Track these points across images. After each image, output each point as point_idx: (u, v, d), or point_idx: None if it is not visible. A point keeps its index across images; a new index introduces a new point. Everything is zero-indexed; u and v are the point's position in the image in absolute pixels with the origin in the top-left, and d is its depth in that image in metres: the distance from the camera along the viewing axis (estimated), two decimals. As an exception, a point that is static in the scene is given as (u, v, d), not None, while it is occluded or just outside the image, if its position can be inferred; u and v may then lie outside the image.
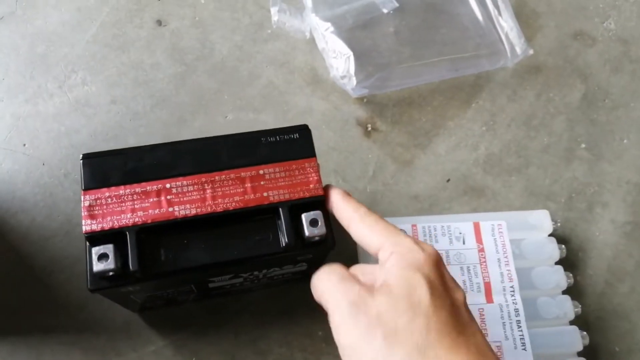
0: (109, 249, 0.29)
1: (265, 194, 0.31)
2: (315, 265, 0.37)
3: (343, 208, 0.31)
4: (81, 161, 0.31)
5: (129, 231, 0.29)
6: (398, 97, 0.50)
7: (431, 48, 0.51)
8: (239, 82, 0.50)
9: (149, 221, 0.30)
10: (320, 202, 0.32)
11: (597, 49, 0.54)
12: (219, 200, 0.31)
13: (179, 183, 0.31)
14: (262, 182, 0.31)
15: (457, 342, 0.26)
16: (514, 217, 0.43)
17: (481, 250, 0.41)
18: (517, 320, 0.39)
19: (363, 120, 0.49)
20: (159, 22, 0.51)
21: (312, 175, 0.32)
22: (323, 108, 0.49)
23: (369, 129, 0.49)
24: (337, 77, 0.48)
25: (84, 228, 0.29)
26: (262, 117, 0.49)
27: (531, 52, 0.51)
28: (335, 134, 0.48)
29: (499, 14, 0.52)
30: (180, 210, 0.30)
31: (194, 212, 0.30)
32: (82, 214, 0.30)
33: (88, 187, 0.30)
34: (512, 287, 0.40)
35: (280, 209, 0.31)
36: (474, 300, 0.40)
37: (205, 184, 0.31)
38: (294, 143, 0.33)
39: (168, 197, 0.31)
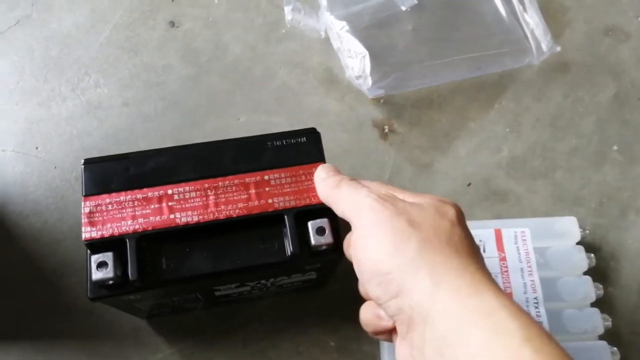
0: (108, 257, 0.28)
1: (270, 201, 0.30)
2: (325, 274, 0.35)
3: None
4: (82, 166, 0.30)
5: (129, 239, 0.29)
6: (416, 98, 0.48)
7: (452, 46, 0.49)
8: (252, 84, 0.49)
9: (150, 228, 0.29)
10: (328, 210, 0.30)
11: (631, 44, 0.51)
12: (222, 207, 0.29)
13: (181, 189, 0.30)
14: (267, 188, 0.30)
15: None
16: (538, 224, 0.41)
17: (502, 259, 0.39)
18: (541, 335, 0.37)
19: (379, 121, 0.47)
20: (172, 24, 0.51)
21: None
22: (338, 109, 0.48)
23: (386, 130, 0.47)
24: (352, 77, 0.47)
25: (83, 235, 0.29)
26: (275, 119, 0.47)
27: (558, 49, 0.48)
28: (351, 136, 0.47)
29: (524, 9, 0.50)
30: (182, 218, 0.29)
31: (196, 219, 0.29)
32: (82, 221, 0.29)
33: (89, 193, 0.30)
34: (535, 298, 0.38)
35: (286, 217, 0.29)
36: (495, 312, 0.37)
37: (208, 190, 0.30)
38: (301, 147, 0.31)
39: (170, 203, 0.30)
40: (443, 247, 0.25)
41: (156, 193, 0.30)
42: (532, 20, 0.49)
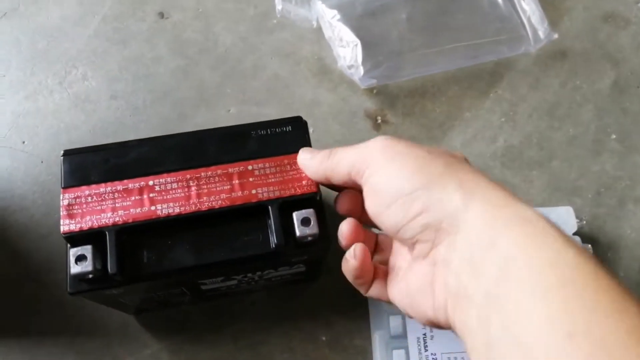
0: (87, 250, 0.27)
1: (254, 191, 0.29)
2: (313, 267, 0.35)
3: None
4: (61, 158, 0.29)
5: (108, 231, 0.28)
6: (410, 88, 0.47)
7: (446, 34, 0.48)
8: (242, 75, 0.48)
9: (130, 221, 0.28)
10: (313, 200, 0.29)
11: (630, 31, 0.50)
12: (204, 198, 0.29)
13: (162, 180, 0.29)
14: (250, 179, 0.29)
15: None
16: (534, 215, 0.40)
17: (497, 250, 0.38)
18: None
19: (372, 112, 0.46)
20: (161, 15, 0.50)
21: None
22: (330, 100, 0.47)
23: (379, 121, 0.46)
24: (344, 67, 0.46)
25: (62, 228, 0.28)
26: (266, 110, 0.46)
27: (555, 36, 0.47)
28: (343, 127, 0.46)
29: (520, -4, 0.49)
30: (163, 209, 0.28)
31: (177, 210, 0.28)
32: (61, 214, 0.28)
33: (68, 185, 0.29)
34: (531, 291, 0.37)
35: (270, 208, 0.29)
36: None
37: (190, 181, 0.29)
38: (286, 136, 0.31)
39: (151, 195, 0.29)
40: (468, 169, 0.25)
41: (137, 184, 0.29)
42: (528, 8, 0.48)
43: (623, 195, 0.43)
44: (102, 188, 0.29)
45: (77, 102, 0.46)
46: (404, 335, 0.36)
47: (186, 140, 0.30)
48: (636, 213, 0.43)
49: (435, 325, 0.25)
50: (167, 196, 0.29)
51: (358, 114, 0.46)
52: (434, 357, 0.36)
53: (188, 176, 0.29)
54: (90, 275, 0.27)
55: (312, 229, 0.28)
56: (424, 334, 0.36)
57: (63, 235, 0.28)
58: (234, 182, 0.29)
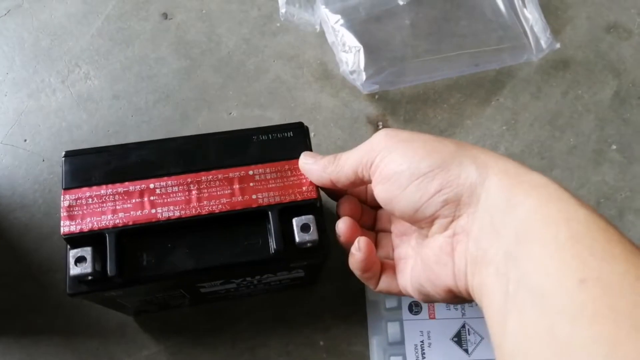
0: (87, 251, 0.27)
1: (254, 197, 0.29)
2: (312, 272, 0.35)
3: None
4: (62, 159, 0.29)
5: (108, 233, 0.28)
6: (412, 94, 0.47)
7: (449, 41, 0.48)
8: (245, 77, 0.48)
9: (131, 223, 0.28)
10: (313, 206, 0.29)
11: (633, 42, 0.50)
12: (205, 202, 0.29)
13: (163, 183, 0.29)
14: (251, 184, 0.29)
15: None
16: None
17: (496, 259, 0.38)
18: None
19: (374, 117, 0.47)
20: (165, 15, 0.50)
21: (306, 177, 0.30)
22: (332, 105, 0.47)
23: (380, 127, 0.46)
24: (346, 72, 0.46)
25: (62, 229, 0.28)
26: (268, 113, 0.46)
27: (558, 45, 0.47)
28: (344, 132, 0.46)
29: (524, 5, 0.49)
30: (164, 212, 0.28)
31: (177, 214, 0.28)
32: (62, 215, 0.28)
33: (68, 186, 0.29)
34: (529, 300, 0.37)
35: (270, 213, 0.29)
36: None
37: (191, 185, 0.29)
38: (287, 142, 0.31)
39: (151, 198, 0.29)
40: (478, 147, 0.26)
41: (138, 187, 0.29)
42: (531, 16, 0.48)
43: (623, 206, 0.43)
44: (103, 190, 0.29)
45: (79, 101, 0.46)
46: (401, 342, 0.37)
47: (188, 143, 0.30)
48: (636, 224, 0.43)
49: (455, 295, 0.26)
50: (167, 199, 0.29)
51: (359, 120, 0.46)
52: (430, 364, 0.36)
53: (189, 180, 0.29)
54: (90, 277, 0.27)
55: (312, 235, 0.28)
56: (422, 342, 0.36)
57: (63, 236, 0.28)
58: (234, 186, 0.29)
